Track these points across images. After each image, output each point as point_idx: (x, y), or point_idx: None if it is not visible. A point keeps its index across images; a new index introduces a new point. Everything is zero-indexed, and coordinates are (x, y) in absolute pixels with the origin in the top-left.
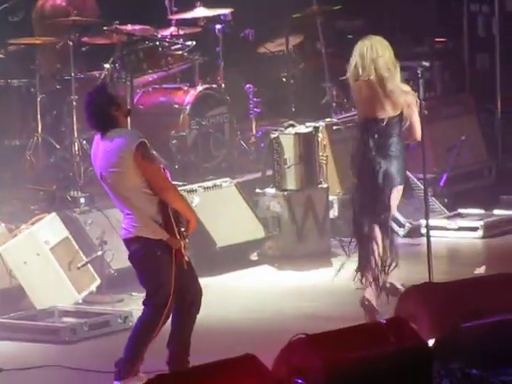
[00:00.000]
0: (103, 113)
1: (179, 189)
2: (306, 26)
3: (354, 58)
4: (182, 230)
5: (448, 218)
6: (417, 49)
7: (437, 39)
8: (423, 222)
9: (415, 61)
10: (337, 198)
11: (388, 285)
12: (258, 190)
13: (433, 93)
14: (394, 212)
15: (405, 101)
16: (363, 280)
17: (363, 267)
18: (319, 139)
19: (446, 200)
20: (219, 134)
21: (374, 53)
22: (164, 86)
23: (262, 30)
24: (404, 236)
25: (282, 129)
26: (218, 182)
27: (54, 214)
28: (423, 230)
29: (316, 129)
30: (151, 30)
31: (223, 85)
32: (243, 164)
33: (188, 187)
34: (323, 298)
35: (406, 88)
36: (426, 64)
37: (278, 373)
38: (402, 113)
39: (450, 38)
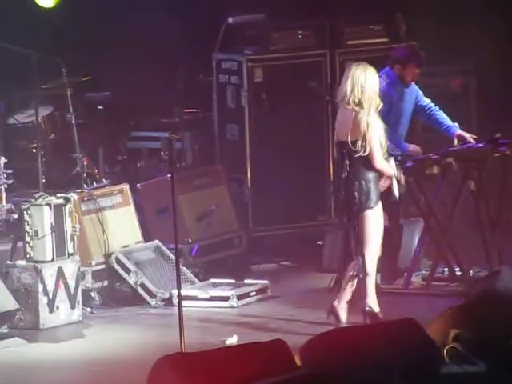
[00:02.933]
0: None
1: None
2: (56, 97)
3: (346, 82)
4: None
5: (200, 287)
6: (166, 119)
7: (186, 110)
8: (175, 291)
9: (165, 131)
10: (89, 269)
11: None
12: (8, 262)
13: (184, 163)
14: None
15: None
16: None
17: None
18: (70, 210)
19: (197, 270)
20: None
21: (365, 81)
22: None
23: (11, 101)
24: (156, 306)
25: (33, 200)
26: None
27: None
28: (175, 300)
29: (67, 200)
30: None
31: None
32: None
33: None
34: (81, 368)
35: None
36: (176, 136)
37: None
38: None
39: (200, 109)
